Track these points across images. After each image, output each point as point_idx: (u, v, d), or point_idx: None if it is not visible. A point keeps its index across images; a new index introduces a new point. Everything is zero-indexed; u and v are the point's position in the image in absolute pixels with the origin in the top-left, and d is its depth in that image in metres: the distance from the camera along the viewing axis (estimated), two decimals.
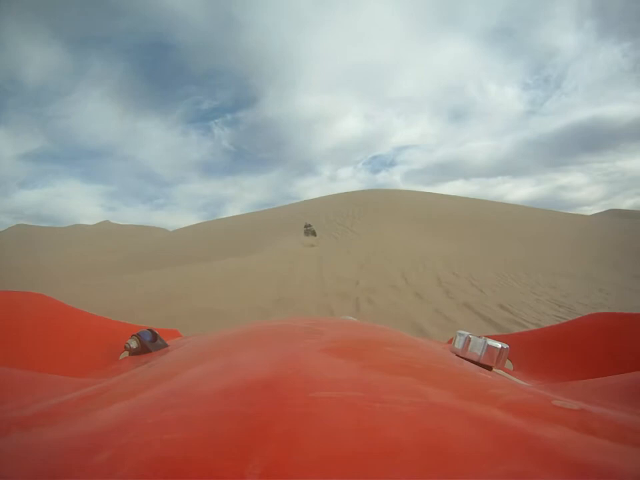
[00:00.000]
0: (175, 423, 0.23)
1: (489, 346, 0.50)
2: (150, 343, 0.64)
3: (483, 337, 0.52)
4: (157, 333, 0.66)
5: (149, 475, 0.18)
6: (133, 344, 0.63)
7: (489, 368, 0.50)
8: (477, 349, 0.50)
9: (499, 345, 0.50)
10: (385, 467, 0.18)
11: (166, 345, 0.66)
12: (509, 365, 0.66)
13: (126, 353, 0.63)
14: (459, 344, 0.52)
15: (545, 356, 0.71)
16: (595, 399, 0.36)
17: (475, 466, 0.19)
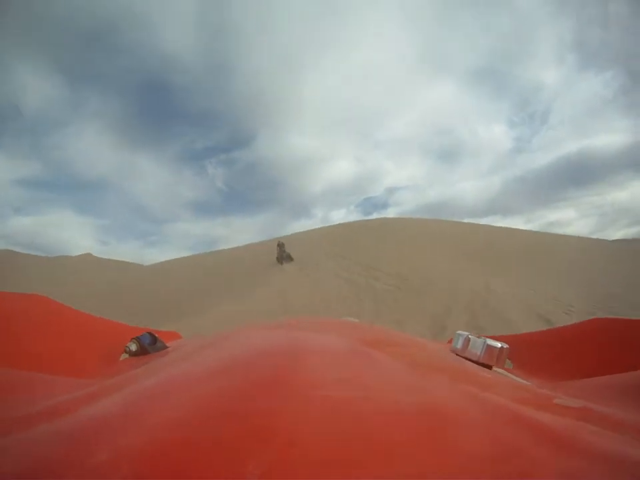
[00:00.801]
0: (174, 423, 0.23)
1: (488, 345, 0.50)
2: (149, 346, 0.64)
3: (483, 337, 0.52)
4: (157, 336, 0.66)
5: (149, 475, 0.18)
6: (133, 347, 0.63)
7: (489, 367, 0.50)
8: (476, 348, 0.50)
9: (499, 345, 0.50)
10: (386, 467, 0.18)
11: (166, 347, 0.66)
12: (508, 363, 0.66)
13: (126, 355, 0.63)
14: (458, 344, 0.52)
15: (545, 356, 0.71)
16: (596, 398, 0.36)
17: (476, 465, 0.19)
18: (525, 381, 0.53)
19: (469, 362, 0.48)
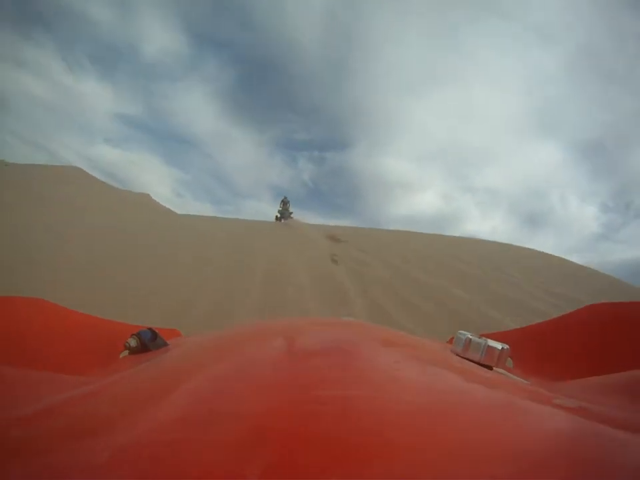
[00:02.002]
0: (174, 422, 0.23)
1: (489, 347, 0.50)
2: (150, 342, 0.64)
3: (483, 338, 0.52)
4: (157, 332, 0.66)
5: (149, 475, 0.18)
6: (133, 343, 0.63)
7: (489, 367, 0.50)
8: (477, 349, 0.50)
9: (500, 346, 0.50)
10: (387, 467, 0.18)
11: (166, 344, 0.66)
12: (508, 362, 0.66)
13: (126, 352, 0.63)
14: (459, 344, 0.52)
15: (544, 352, 0.70)
16: (595, 397, 0.36)
17: (477, 465, 0.19)
18: (524, 381, 0.53)
19: (470, 362, 0.48)
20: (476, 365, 0.47)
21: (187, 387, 0.29)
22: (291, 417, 0.23)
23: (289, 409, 0.23)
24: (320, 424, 0.22)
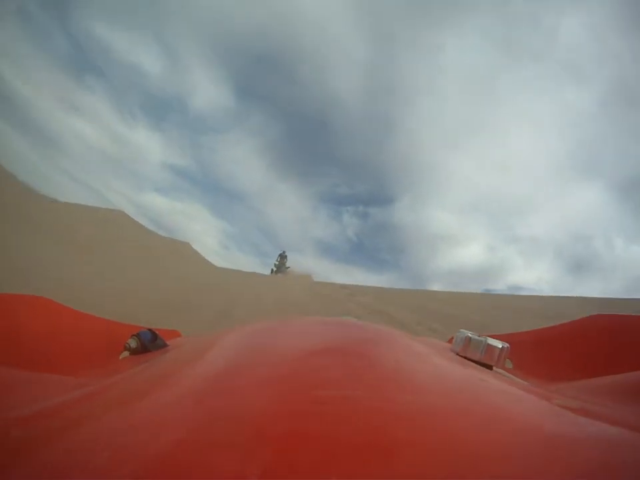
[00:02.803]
0: (174, 422, 0.23)
1: (489, 345, 0.50)
2: (150, 343, 0.64)
3: (484, 337, 0.52)
4: (157, 333, 0.66)
5: (149, 475, 0.18)
6: (133, 343, 0.63)
7: (489, 367, 0.50)
8: (477, 348, 0.50)
9: (500, 345, 0.50)
10: (387, 467, 0.18)
11: (166, 345, 0.66)
12: (508, 363, 0.66)
13: (126, 353, 0.63)
14: (459, 343, 0.52)
15: (544, 355, 0.71)
16: (595, 398, 0.36)
17: (477, 465, 0.19)
18: (524, 382, 0.53)
19: (470, 362, 0.48)
20: (476, 365, 0.47)
21: (187, 387, 0.29)
22: (291, 417, 0.23)
23: (289, 409, 0.23)
24: (320, 424, 0.22)
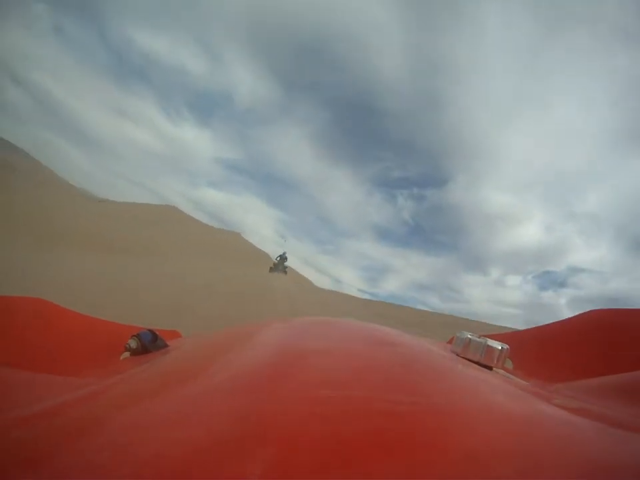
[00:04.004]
0: (175, 422, 0.23)
1: (488, 347, 0.50)
2: (150, 344, 0.64)
3: (484, 338, 0.52)
4: (157, 333, 0.66)
5: (149, 475, 0.18)
6: (133, 344, 0.63)
7: (489, 367, 0.50)
8: (477, 349, 0.50)
9: (499, 346, 0.50)
10: (386, 467, 0.18)
11: (166, 346, 0.66)
12: (508, 363, 0.66)
13: (127, 354, 0.63)
14: (459, 344, 0.52)
15: (544, 353, 0.71)
16: (594, 398, 0.36)
17: (477, 465, 0.19)
18: (524, 382, 0.53)
19: (470, 362, 0.48)
20: (476, 365, 0.47)
21: (187, 387, 0.29)
22: (291, 416, 0.23)
23: (289, 408, 0.23)
24: (320, 424, 0.22)
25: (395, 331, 0.57)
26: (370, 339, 0.47)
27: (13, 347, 0.52)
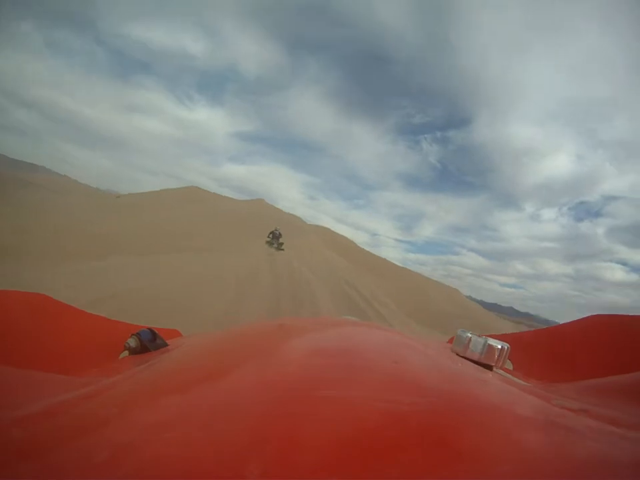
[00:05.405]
0: (174, 422, 0.23)
1: (489, 345, 0.50)
2: (150, 342, 0.64)
3: (484, 337, 0.52)
4: (157, 332, 0.66)
5: (149, 475, 0.18)
6: (132, 343, 0.63)
7: (490, 367, 0.50)
8: (477, 348, 0.50)
9: (499, 345, 0.50)
10: (386, 467, 0.18)
11: (166, 345, 0.66)
12: (508, 364, 0.66)
13: (126, 353, 0.63)
14: (459, 343, 0.52)
15: (545, 356, 0.71)
16: (594, 399, 0.36)
17: (477, 465, 0.19)
18: (524, 382, 0.53)
19: (470, 362, 0.48)
20: (476, 366, 0.47)
21: (187, 387, 0.29)
22: (291, 416, 0.23)
23: (290, 408, 0.23)
24: (321, 424, 0.22)
25: (395, 331, 0.57)
26: (367, 338, 0.47)
27: (10, 344, 0.52)
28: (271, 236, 10.42)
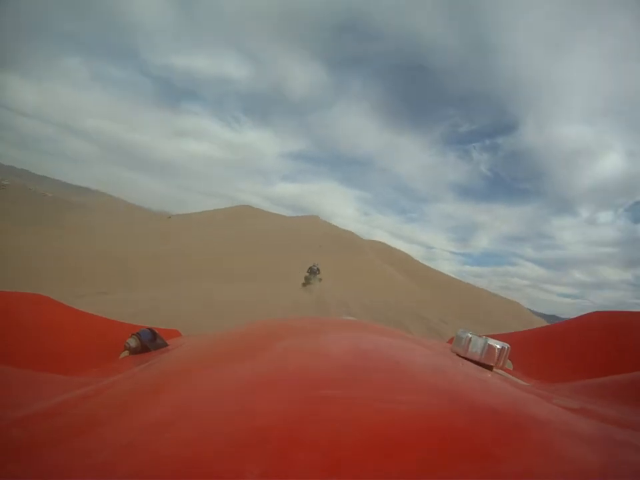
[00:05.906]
0: (174, 422, 0.23)
1: (489, 345, 0.49)
2: (150, 342, 0.64)
3: (484, 337, 0.52)
4: (157, 332, 0.66)
5: (149, 475, 0.18)
6: (133, 343, 0.63)
7: (490, 367, 0.50)
8: (477, 348, 0.50)
9: (499, 345, 0.50)
10: (387, 467, 0.18)
11: (166, 345, 0.66)
12: (508, 364, 0.66)
13: (126, 352, 0.63)
14: (459, 343, 0.52)
15: (545, 355, 0.71)
16: (595, 399, 0.36)
17: (477, 466, 0.19)
18: (524, 382, 0.53)
19: (470, 362, 0.48)
20: (476, 366, 0.47)
21: (187, 387, 0.29)
22: (291, 416, 0.22)
23: (290, 408, 0.23)
24: (321, 424, 0.22)
25: (396, 331, 0.57)
26: (368, 338, 0.47)
27: (10, 344, 0.51)
28: (309, 271, 9.97)
